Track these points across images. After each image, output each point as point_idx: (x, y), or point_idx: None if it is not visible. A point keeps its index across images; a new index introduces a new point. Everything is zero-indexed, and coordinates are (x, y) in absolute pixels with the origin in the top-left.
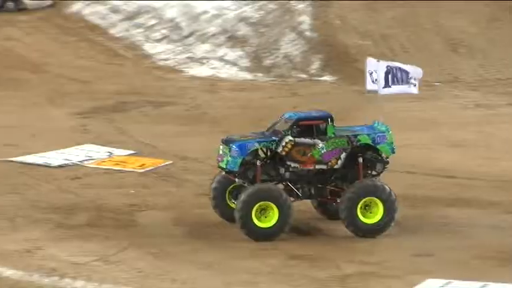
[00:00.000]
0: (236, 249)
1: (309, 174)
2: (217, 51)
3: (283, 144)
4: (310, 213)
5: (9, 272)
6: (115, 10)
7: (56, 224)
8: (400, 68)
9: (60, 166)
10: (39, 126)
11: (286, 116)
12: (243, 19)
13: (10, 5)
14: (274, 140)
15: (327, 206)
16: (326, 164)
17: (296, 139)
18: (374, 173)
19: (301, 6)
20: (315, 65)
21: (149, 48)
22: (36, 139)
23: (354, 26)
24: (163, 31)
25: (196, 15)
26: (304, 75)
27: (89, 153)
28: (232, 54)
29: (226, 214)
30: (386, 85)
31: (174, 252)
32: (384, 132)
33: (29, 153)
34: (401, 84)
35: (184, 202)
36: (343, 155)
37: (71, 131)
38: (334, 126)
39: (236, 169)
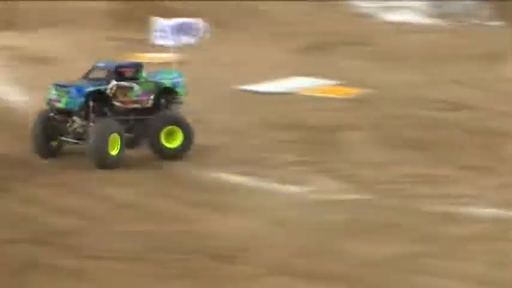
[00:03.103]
0: None
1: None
2: None
3: (110, 87)
4: None
5: None
6: None
7: None
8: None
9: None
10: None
11: (100, 64)
12: None
13: None
14: (102, 84)
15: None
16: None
17: (119, 83)
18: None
19: None
20: None
21: None
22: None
23: None
24: None
25: None
26: None
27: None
28: None
29: (47, 153)
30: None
31: None
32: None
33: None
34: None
35: None
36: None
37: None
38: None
39: (76, 108)
